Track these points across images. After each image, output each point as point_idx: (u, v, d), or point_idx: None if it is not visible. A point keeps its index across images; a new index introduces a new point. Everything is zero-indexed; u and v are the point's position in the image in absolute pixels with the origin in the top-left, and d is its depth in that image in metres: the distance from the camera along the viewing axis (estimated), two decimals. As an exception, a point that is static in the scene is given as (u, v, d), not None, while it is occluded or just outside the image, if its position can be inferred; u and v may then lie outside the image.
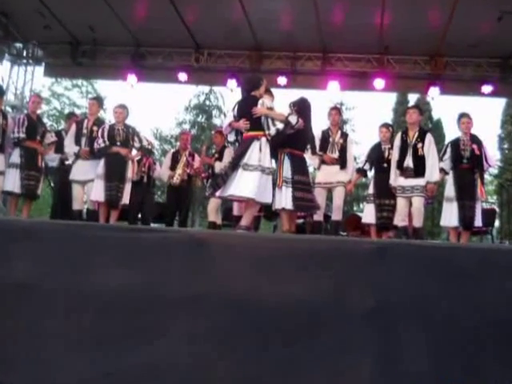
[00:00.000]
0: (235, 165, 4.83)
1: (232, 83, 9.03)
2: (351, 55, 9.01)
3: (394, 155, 5.88)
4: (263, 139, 4.88)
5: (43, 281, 3.64)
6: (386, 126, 6.58)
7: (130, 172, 6.11)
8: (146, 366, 3.46)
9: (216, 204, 6.69)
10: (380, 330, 3.35)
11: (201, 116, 24.34)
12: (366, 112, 27.66)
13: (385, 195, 6.04)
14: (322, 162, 6.17)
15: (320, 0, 7.46)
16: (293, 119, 4.94)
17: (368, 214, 6.30)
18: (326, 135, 6.28)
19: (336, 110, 6.64)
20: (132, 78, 9.30)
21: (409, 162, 5.66)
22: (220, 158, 6.85)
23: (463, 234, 5.76)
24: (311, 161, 6.17)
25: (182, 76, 9.32)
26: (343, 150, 6.17)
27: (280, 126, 4.89)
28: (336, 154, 6.15)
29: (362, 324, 3.37)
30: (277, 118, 4.92)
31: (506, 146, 19.90)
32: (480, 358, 3.22)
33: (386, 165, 6.14)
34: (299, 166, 5.21)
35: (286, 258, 3.62)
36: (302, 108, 5.25)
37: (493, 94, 8.86)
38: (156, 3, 7.98)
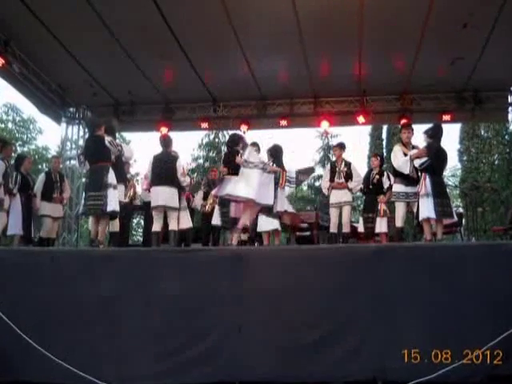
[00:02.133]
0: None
1: (244, 127, 10.80)
2: (337, 98, 10.72)
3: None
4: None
5: (122, 293, 4.67)
6: (374, 155, 8.15)
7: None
8: (201, 355, 4.42)
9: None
10: (382, 314, 4.32)
11: (212, 151, 26.57)
12: (349, 138, 30.24)
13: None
14: (333, 187, 7.59)
15: (310, 58, 9.01)
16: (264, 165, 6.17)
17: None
18: (333, 166, 7.87)
19: (337, 147, 8.16)
20: (164, 129, 10.82)
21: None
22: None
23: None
24: (324, 189, 7.84)
25: (204, 125, 11.24)
26: (347, 176, 7.59)
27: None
28: (342, 180, 7.57)
29: (368, 306, 4.38)
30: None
31: (465, 158, 22.01)
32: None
33: (371, 187, 7.56)
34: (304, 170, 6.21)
35: (305, 263, 4.66)
36: (274, 152, 6.58)
37: (451, 121, 10.51)
38: (180, 68, 9.48)
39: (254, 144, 7.15)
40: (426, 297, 4.33)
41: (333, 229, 7.57)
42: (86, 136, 9.67)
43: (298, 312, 4.50)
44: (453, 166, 24.23)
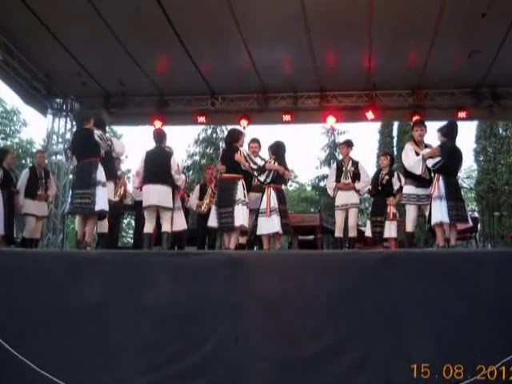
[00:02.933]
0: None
1: (244, 122, 10.78)
2: (344, 92, 10.72)
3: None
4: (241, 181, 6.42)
5: (111, 298, 4.72)
6: (384, 154, 8.12)
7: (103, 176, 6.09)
8: (195, 366, 4.46)
9: None
10: (389, 325, 4.38)
11: (209, 148, 26.65)
12: (356, 135, 30.70)
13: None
14: (339, 188, 7.59)
15: (316, 49, 8.97)
16: (260, 162, 6.64)
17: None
18: (339, 165, 7.85)
19: (344, 145, 8.11)
20: (158, 123, 10.84)
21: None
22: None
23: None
24: (329, 190, 7.85)
25: (201, 119, 11.19)
26: (355, 176, 7.58)
27: (260, 163, 6.62)
28: (349, 180, 7.56)
29: (374, 316, 4.43)
30: (252, 161, 6.58)
31: (481, 158, 22.08)
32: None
33: (380, 188, 7.55)
34: (282, 198, 6.64)
35: (308, 269, 4.72)
36: (276, 150, 6.86)
37: (467, 118, 10.43)
38: (176, 58, 9.46)
39: (255, 140, 7.19)
40: (437, 307, 4.36)
41: (338, 233, 7.57)
42: (74, 129, 9.73)
43: (299, 321, 4.54)
44: (468, 166, 24.35)
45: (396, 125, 24.54)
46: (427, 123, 6.86)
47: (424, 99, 10.42)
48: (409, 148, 6.55)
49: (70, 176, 10.77)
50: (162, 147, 6.77)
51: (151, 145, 6.79)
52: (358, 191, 7.58)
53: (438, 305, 4.37)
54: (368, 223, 7.76)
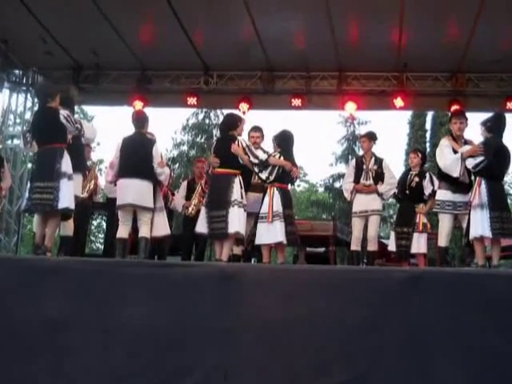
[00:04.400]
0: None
1: (244, 106, 10.80)
2: (369, 73, 10.75)
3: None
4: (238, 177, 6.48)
5: (74, 317, 4.70)
6: (414, 151, 8.21)
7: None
8: None
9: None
10: (415, 361, 4.34)
11: (200, 136, 26.51)
12: (381, 126, 30.88)
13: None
14: (357, 190, 7.68)
15: (335, 18, 8.96)
16: (262, 156, 6.62)
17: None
18: (359, 163, 7.93)
19: (365, 138, 8.23)
20: (138, 103, 10.83)
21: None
22: None
23: None
24: (345, 192, 7.97)
25: (191, 100, 11.14)
26: (378, 177, 7.65)
27: (262, 156, 6.58)
28: (370, 182, 7.66)
29: (397, 355, 4.39)
30: (252, 153, 6.57)
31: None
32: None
33: (408, 192, 7.61)
34: (288, 200, 6.71)
35: (316, 289, 4.69)
36: (282, 141, 6.93)
37: None
38: (162, 24, 9.46)
39: (257, 129, 7.19)
40: (473, 339, 4.36)
41: (355, 245, 7.64)
42: (35, 108, 9.73)
43: (304, 353, 4.52)
44: (517, 169, 24.37)
45: (430, 115, 24.60)
46: (468, 114, 6.90)
47: (465, 85, 10.46)
48: (445, 144, 6.58)
49: (29, 165, 10.78)
50: (143, 133, 6.81)
51: (129, 130, 6.83)
52: (380, 195, 7.62)
53: (475, 337, 4.36)
54: (392, 235, 7.79)
